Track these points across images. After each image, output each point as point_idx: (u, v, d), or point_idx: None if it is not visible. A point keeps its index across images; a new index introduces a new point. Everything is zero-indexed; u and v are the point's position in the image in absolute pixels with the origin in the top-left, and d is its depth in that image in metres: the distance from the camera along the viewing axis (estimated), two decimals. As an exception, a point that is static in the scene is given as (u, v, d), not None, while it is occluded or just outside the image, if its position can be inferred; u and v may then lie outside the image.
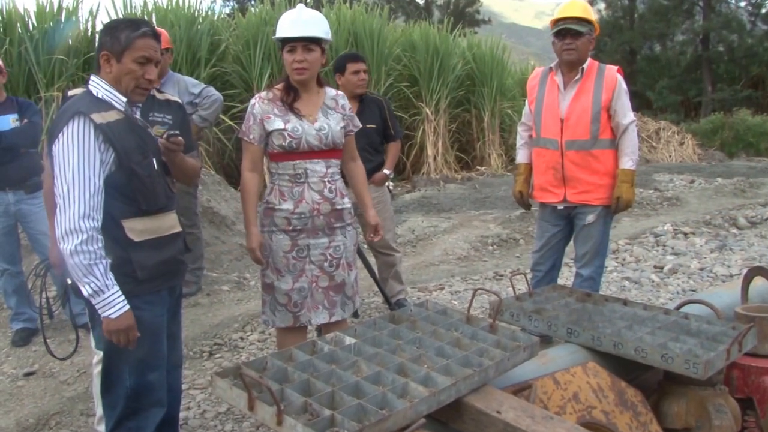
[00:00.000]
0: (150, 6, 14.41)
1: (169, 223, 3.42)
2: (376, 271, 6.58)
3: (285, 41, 4.22)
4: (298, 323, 4.32)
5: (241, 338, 6.19)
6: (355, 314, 4.95)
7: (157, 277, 3.34)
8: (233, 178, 14.15)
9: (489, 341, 3.26)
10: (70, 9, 13.27)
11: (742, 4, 48.97)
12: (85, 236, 3.00)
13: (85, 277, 3.02)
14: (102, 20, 14.81)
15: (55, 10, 12.97)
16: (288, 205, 4.21)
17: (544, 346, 3.54)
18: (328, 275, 4.31)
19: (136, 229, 3.25)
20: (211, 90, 7.18)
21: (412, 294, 7.43)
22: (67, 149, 3.06)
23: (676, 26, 47.84)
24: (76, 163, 3.03)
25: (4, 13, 12.56)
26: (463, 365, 2.95)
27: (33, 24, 12.82)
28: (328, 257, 4.31)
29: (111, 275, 3.09)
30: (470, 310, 3.67)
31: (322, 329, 4.61)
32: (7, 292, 6.47)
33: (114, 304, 3.08)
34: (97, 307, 3.08)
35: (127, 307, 3.12)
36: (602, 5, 51.60)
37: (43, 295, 4.72)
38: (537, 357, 3.28)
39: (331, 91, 4.47)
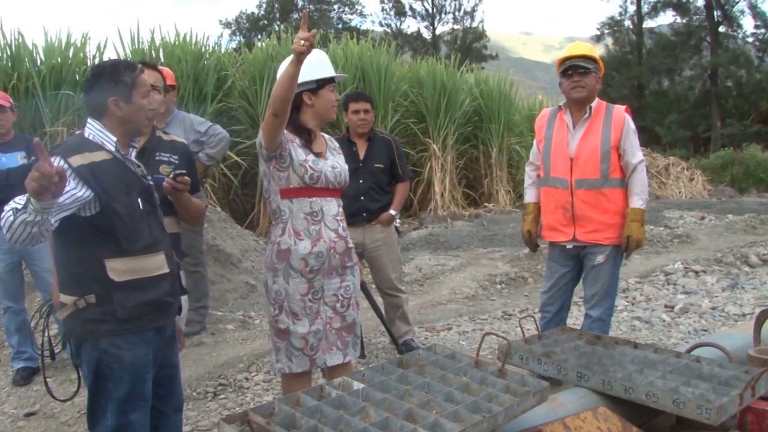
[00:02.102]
0: (157, 41, 14.49)
1: (154, 264, 3.40)
2: (383, 312, 6.52)
3: (329, 80, 4.25)
4: (314, 366, 4.28)
5: (246, 379, 6.12)
6: (362, 355, 4.90)
7: (140, 318, 3.33)
8: (239, 214, 14.17)
9: (498, 386, 3.21)
10: (78, 44, 13.37)
11: (750, 39, 49.27)
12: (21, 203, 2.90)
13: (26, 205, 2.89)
14: (109, 56, 14.90)
15: (63, 46, 13.06)
16: (305, 244, 4.14)
17: (554, 390, 3.49)
18: (340, 316, 4.29)
19: (118, 269, 3.26)
20: (218, 128, 7.18)
21: (420, 334, 7.37)
22: None
23: (684, 61, 48.17)
24: None
25: (13, 47, 12.65)
26: (472, 411, 2.92)
27: (41, 59, 12.91)
28: (340, 297, 4.29)
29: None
30: (479, 352, 3.63)
31: (327, 370, 4.55)
32: (10, 330, 6.44)
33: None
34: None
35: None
36: (610, 40, 51.94)
37: (46, 335, 4.68)
38: (546, 401, 3.23)
39: (325, 135, 4.51)
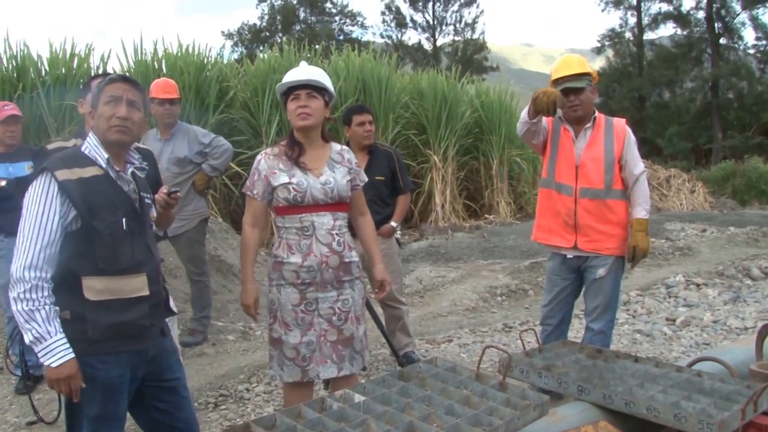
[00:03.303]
0: (160, 53, 14.50)
1: (133, 286, 3.34)
2: (384, 323, 6.52)
3: (289, 90, 4.31)
4: (306, 377, 4.29)
5: (247, 390, 6.13)
6: (363, 367, 4.91)
7: (113, 339, 3.27)
8: (240, 225, 14.13)
9: (499, 399, 3.21)
10: (82, 56, 13.40)
11: (751, 51, 49.26)
12: (28, 285, 3.07)
13: (27, 324, 3.08)
14: (113, 66, 14.92)
15: (67, 57, 13.10)
16: (296, 258, 4.21)
17: (554, 404, 3.48)
18: (336, 329, 4.30)
19: (95, 288, 3.23)
20: (221, 140, 7.27)
21: (420, 346, 7.37)
22: (29, 202, 3.19)
23: (685, 73, 48.20)
24: (34, 215, 3.14)
25: (19, 59, 12.69)
26: (472, 424, 2.90)
27: (45, 70, 12.96)
28: (337, 311, 4.30)
29: (56, 323, 3.12)
30: (480, 365, 3.63)
31: (331, 383, 4.57)
32: (13, 338, 6.46)
33: (55, 352, 3.09)
34: (39, 355, 3.10)
35: (71, 356, 3.11)
36: (610, 52, 51.97)
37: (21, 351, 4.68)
38: (547, 415, 3.22)
39: (336, 146, 4.52)
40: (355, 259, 4.41)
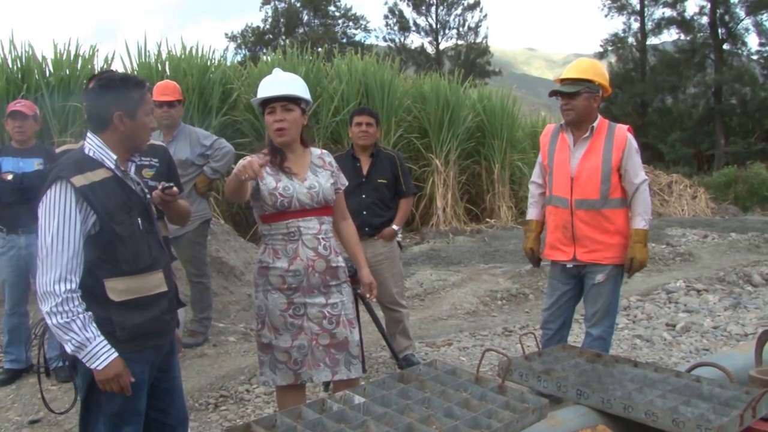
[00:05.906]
0: (164, 55, 14.52)
1: (153, 282, 3.40)
2: (384, 326, 6.53)
3: (264, 103, 4.29)
4: (300, 380, 4.32)
5: (247, 391, 6.15)
6: (363, 369, 4.93)
7: (139, 337, 3.32)
8: (242, 227, 14.16)
9: (498, 403, 3.22)
10: (86, 57, 13.42)
11: (755, 57, 49.19)
12: (60, 299, 3.08)
13: (65, 335, 3.10)
14: (117, 68, 14.92)
15: (71, 58, 13.12)
16: (282, 263, 4.23)
17: (553, 407, 3.49)
18: (328, 333, 4.30)
19: (117, 289, 3.26)
20: (223, 142, 7.28)
21: (420, 349, 7.38)
22: (47, 213, 3.16)
23: (688, 79, 48.10)
24: (56, 226, 3.12)
25: (23, 60, 12.71)
26: (471, 427, 2.91)
27: (50, 71, 12.98)
28: (327, 315, 4.31)
29: (93, 327, 3.14)
30: (479, 369, 3.64)
31: (332, 386, 4.58)
32: (3, 330, 6.57)
33: (99, 355, 3.12)
34: (84, 360, 3.13)
35: (114, 355, 3.15)
36: (613, 57, 51.91)
37: (42, 352, 4.71)
38: (546, 419, 3.23)
39: (316, 150, 4.54)
40: (341, 264, 4.42)
